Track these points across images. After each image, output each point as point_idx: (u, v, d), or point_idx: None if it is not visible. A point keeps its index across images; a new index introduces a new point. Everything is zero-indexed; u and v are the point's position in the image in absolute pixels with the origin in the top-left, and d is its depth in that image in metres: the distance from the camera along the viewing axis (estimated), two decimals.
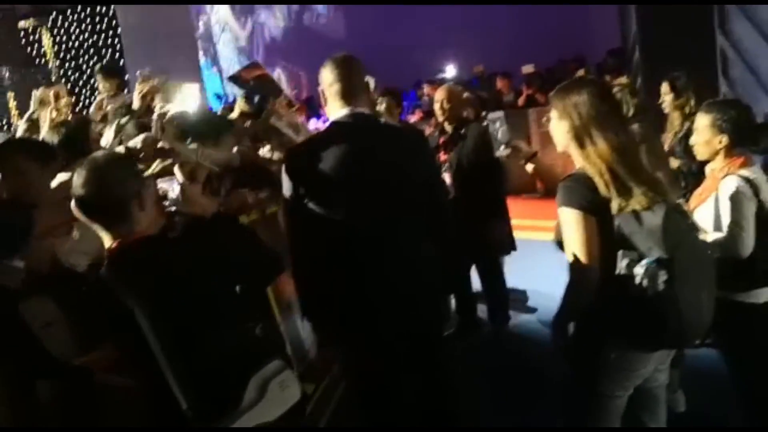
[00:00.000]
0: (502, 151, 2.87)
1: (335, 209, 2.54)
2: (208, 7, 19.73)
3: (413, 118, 10.90)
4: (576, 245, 2.21)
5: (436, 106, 4.58)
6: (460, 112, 4.62)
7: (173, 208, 2.31)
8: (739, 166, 2.83)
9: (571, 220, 2.21)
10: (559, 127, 2.33)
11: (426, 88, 11.24)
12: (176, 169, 2.32)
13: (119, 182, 1.91)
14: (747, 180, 2.77)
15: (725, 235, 2.81)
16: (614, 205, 2.17)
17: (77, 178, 1.90)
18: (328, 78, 2.63)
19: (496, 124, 3.08)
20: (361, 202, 2.55)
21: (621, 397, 2.38)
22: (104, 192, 1.89)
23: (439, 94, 4.60)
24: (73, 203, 1.91)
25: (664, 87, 4.33)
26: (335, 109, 2.63)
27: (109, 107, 4.32)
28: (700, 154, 2.96)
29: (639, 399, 2.50)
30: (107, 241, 1.91)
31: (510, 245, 4.71)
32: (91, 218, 1.91)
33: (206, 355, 1.92)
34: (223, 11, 19.66)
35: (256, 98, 4.14)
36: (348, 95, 2.61)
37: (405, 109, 12.08)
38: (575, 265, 2.22)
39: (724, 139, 2.84)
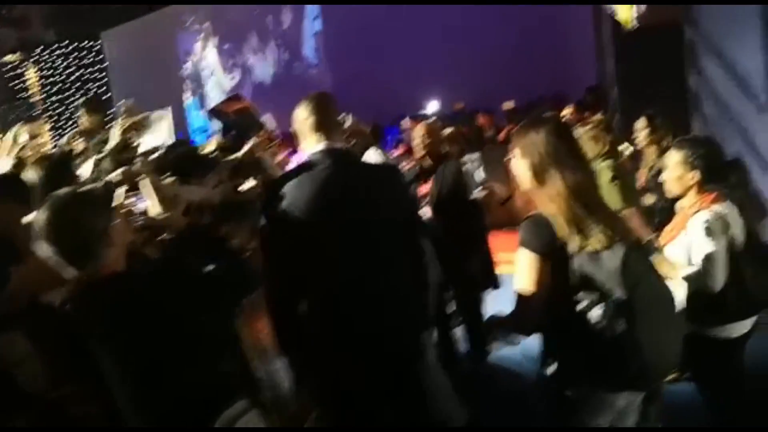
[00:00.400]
0: (477, 193, 2.85)
1: (311, 244, 2.53)
2: (198, 46, 19.87)
3: (396, 153, 10.93)
4: (525, 285, 2.22)
5: (416, 142, 4.65)
6: (439, 147, 4.69)
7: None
8: (710, 202, 2.86)
9: (526, 261, 2.22)
10: (520, 166, 2.34)
11: (408, 123, 11.33)
12: (152, 202, 2.33)
13: (84, 220, 1.88)
14: (718, 215, 2.80)
15: (697, 269, 2.85)
16: (572, 245, 2.18)
17: (40, 216, 1.87)
18: (302, 114, 2.64)
19: (474, 164, 3.13)
20: (337, 237, 2.55)
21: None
22: (68, 230, 1.87)
23: (419, 130, 4.69)
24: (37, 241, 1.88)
25: (641, 122, 4.41)
26: (311, 144, 2.63)
27: (82, 143, 4.28)
28: (672, 190, 3.00)
29: None
30: (71, 275, 1.89)
31: (492, 281, 4.75)
32: (55, 255, 1.87)
33: (170, 396, 1.90)
34: (211, 57, 19.77)
35: (233, 132, 4.13)
36: (322, 128, 2.62)
37: (388, 144, 12.19)
38: (520, 303, 2.24)
39: (696, 176, 2.88)
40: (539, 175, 2.27)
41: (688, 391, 3.12)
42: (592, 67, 11.04)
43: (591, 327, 2.16)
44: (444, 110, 12.99)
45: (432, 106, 13.28)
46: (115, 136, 3.61)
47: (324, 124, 2.63)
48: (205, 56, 19.86)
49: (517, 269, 2.23)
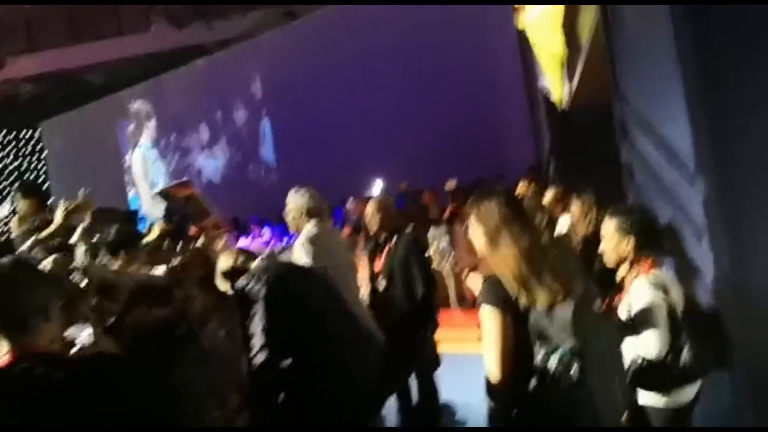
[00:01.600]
0: (447, 262, 3.08)
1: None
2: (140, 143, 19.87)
3: (341, 235, 10.96)
4: (492, 339, 2.40)
5: (368, 218, 4.73)
6: (392, 221, 4.78)
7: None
8: (649, 267, 2.96)
9: (488, 316, 2.42)
10: (475, 233, 2.59)
11: (352, 205, 11.45)
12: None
13: (24, 292, 1.83)
14: (658, 279, 2.90)
15: (640, 337, 2.88)
16: (521, 302, 2.39)
17: None
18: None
19: (441, 238, 3.36)
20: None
21: None
22: (5, 301, 1.81)
23: (370, 207, 4.80)
24: None
25: (574, 197, 4.60)
26: None
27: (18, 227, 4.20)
28: (610, 260, 3.09)
29: None
30: (3, 347, 1.81)
31: (434, 361, 4.75)
32: None
33: None
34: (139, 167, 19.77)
35: (175, 217, 4.12)
36: None
37: (335, 224, 12.18)
38: (491, 358, 2.40)
39: (631, 241, 2.97)
40: (493, 239, 2.53)
41: None
42: (530, 145, 11.39)
43: (548, 376, 2.32)
44: (388, 191, 13.13)
45: (377, 187, 13.42)
46: (58, 219, 3.59)
47: None
48: (141, 144, 19.81)
49: (483, 327, 2.43)
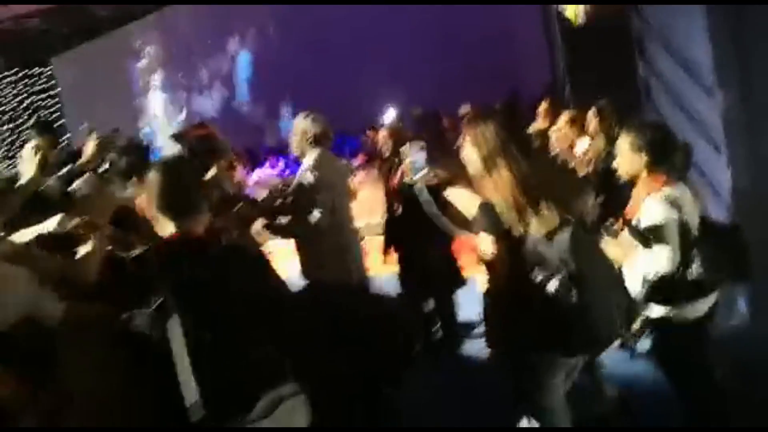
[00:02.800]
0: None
1: None
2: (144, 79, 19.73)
3: (357, 162, 11.03)
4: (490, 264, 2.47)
5: (381, 145, 4.77)
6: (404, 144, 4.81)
7: None
8: (661, 185, 2.91)
9: (486, 244, 2.43)
10: (470, 155, 2.53)
11: (370, 134, 11.46)
12: None
13: (192, 179, 2.24)
14: (669, 197, 2.83)
15: (652, 252, 2.88)
16: (517, 229, 2.38)
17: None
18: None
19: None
20: None
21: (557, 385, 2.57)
22: (178, 184, 2.16)
23: (382, 134, 4.82)
24: None
25: (590, 113, 4.52)
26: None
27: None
28: (624, 174, 3.05)
29: None
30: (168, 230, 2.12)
31: (458, 280, 4.81)
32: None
33: (227, 364, 2.01)
34: (158, 104, 19.71)
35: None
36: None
37: (349, 154, 12.21)
38: (489, 281, 2.52)
39: (645, 158, 2.93)
40: (487, 163, 2.46)
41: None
42: (546, 65, 11.20)
43: (548, 298, 2.34)
44: (403, 117, 13.05)
45: (389, 116, 13.32)
46: (91, 150, 3.63)
47: None
48: (153, 89, 19.77)
49: (481, 252, 2.46)
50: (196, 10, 18.00)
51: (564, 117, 5.07)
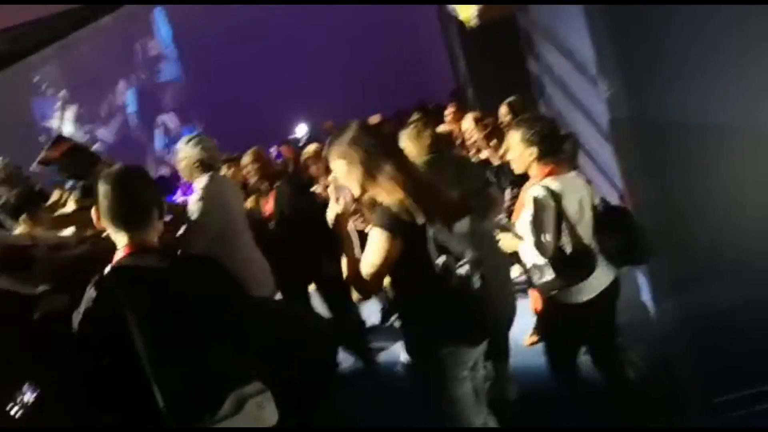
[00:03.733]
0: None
1: None
2: (56, 115, 19.29)
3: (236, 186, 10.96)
4: (371, 256, 2.49)
5: (246, 170, 4.88)
6: (269, 168, 4.89)
7: None
8: (545, 176, 3.15)
9: (375, 236, 2.49)
10: (347, 175, 2.57)
11: (282, 149, 11.42)
12: None
13: (142, 188, 2.32)
14: (548, 188, 3.03)
15: (528, 241, 3.09)
16: (416, 221, 2.43)
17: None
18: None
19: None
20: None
21: (465, 377, 2.65)
22: (128, 195, 2.30)
23: (246, 159, 4.88)
24: None
25: (503, 109, 4.76)
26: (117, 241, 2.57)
27: None
28: (517, 168, 3.22)
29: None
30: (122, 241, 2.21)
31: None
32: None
33: (191, 368, 2.09)
34: (68, 128, 19.29)
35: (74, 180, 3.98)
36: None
37: None
38: (365, 270, 2.51)
39: (534, 152, 3.12)
40: (370, 173, 2.52)
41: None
42: (448, 71, 11.40)
43: (450, 286, 2.43)
44: (315, 132, 13.06)
45: (301, 129, 13.31)
46: None
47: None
48: (64, 126, 19.41)
49: (368, 245, 2.51)
50: (96, 41, 17.62)
51: (468, 118, 5.28)
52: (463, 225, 2.55)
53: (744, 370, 3.43)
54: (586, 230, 3.13)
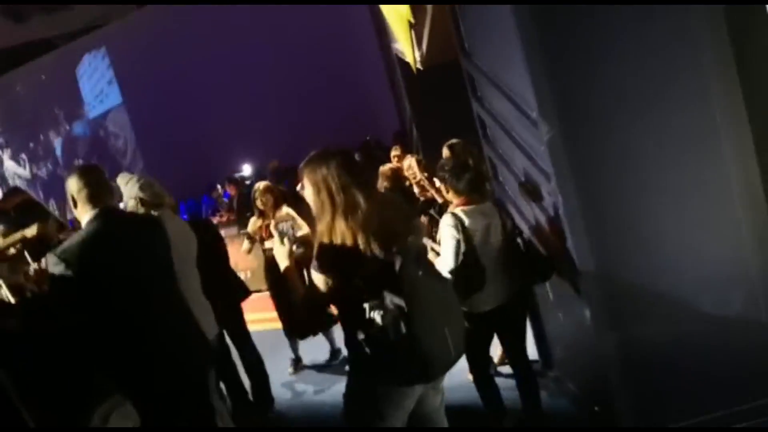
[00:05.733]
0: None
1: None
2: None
3: (218, 221, 10.84)
4: (310, 293, 2.61)
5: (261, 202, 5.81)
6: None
7: None
8: (455, 206, 3.91)
9: (314, 278, 2.58)
10: (312, 197, 2.67)
11: (228, 187, 11.43)
12: None
13: None
14: (454, 215, 3.79)
15: (438, 260, 3.79)
16: (350, 262, 2.50)
17: None
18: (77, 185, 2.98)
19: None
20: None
21: (397, 416, 2.74)
22: None
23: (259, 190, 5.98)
24: None
25: (445, 151, 5.33)
26: (86, 212, 2.97)
27: None
28: (441, 199, 4.17)
29: (420, 424, 2.90)
30: None
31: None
32: None
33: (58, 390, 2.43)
34: (11, 167, 19.11)
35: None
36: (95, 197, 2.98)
37: (204, 214, 11.96)
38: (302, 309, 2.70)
39: (448, 186, 3.97)
40: (326, 204, 2.61)
41: None
42: (393, 111, 11.57)
43: (378, 330, 2.47)
44: (260, 171, 13.03)
45: (246, 170, 13.26)
46: None
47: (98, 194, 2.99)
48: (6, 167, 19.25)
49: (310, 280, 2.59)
50: (33, 81, 17.39)
51: (409, 158, 5.55)
52: (394, 267, 2.54)
53: (675, 403, 3.54)
54: (490, 252, 3.83)
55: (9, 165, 18.84)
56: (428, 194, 5.44)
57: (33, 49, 16.39)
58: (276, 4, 12.55)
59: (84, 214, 2.97)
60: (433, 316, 2.56)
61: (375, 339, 2.49)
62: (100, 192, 3.00)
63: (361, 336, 2.55)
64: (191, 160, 12.44)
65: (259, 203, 5.84)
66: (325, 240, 2.58)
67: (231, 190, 11.60)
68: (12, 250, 3.52)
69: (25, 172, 18.68)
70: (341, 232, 2.54)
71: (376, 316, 2.46)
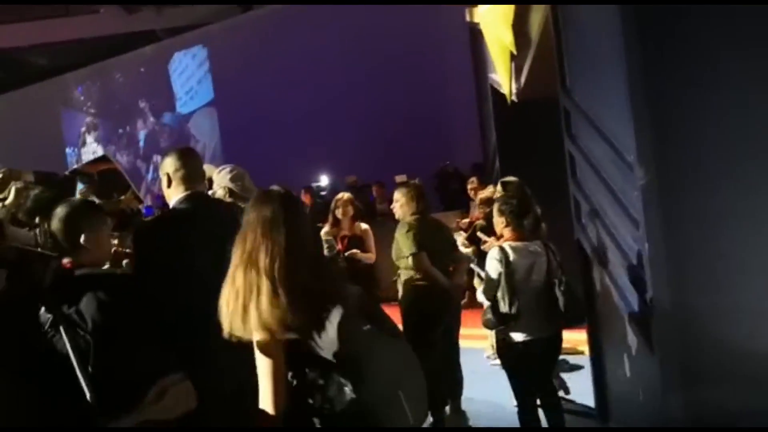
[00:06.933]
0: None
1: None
2: (87, 136, 19.71)
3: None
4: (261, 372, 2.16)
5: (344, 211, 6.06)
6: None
7: None
8: (505, 240, 4.21)
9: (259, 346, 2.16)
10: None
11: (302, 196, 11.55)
12: None
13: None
14: (501, 249, 4.09)
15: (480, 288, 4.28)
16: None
17: None
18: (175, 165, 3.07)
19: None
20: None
21: None
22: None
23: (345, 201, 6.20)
24: None
25: (498, 187, 5.65)
26: (178, 192, 3.07)
27: None
28: (498, 232, 4.42)
29: None
30: None
31: None
32: None
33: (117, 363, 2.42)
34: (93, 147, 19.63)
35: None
36: (189, 180, 3.08)
37: None
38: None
39: (502, 221, 4.23)
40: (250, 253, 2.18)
41: None
42: (477, 140, 11.54)
43: (321, 401, 2.13)
44: (336, 184, 13.17)
45: (323, 180, 13.42)
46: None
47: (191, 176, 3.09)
48: (89, 144, 19.79)
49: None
50: (131, 70, 18.02)
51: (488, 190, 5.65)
52: (331, 325, 2.14)
53: None
54: (530, 287, 4.07)
55: (92, 148, 19.47)
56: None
57: (136, 40, 17.05)
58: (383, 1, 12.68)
59: (176, 194, 3.08)
60: (386, 374, 2.18)
61: (314, 411, 2.16)
62: (195, 175, 3.13)
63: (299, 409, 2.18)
64: (270, 165, 12.66)
65: (339, 213, 5.91)
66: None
67: (306, 199, 11.74)
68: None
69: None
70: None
71: (318, 385, 2.15)
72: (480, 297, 4.23)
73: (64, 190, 4.09)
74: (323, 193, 12.40)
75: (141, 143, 18.88)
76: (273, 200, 2.23)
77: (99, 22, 16.11)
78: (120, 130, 19.32)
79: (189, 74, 17.33)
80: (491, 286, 4.06)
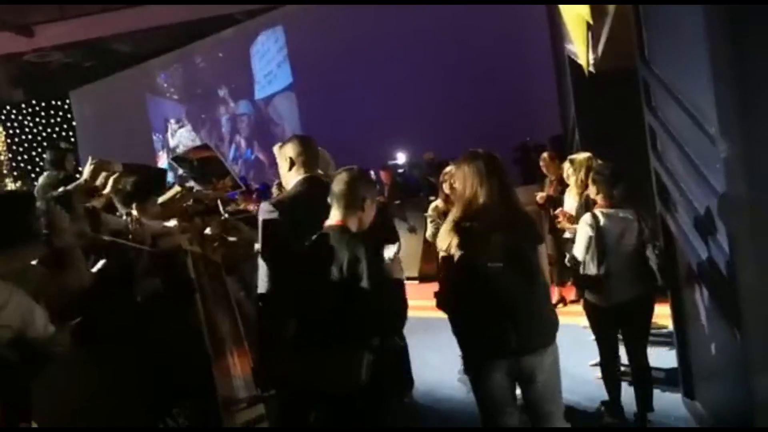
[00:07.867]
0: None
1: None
2: (172, 122, 20.15)
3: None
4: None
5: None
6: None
7: None
8: (598, 207, 4.57)
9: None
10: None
11: (381, 174, 11.62)
12: None
13: None
14: (593, 215, 4.46)
15: (574, 245, 4.60)
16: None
17: None
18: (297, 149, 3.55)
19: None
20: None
21: None
22: None
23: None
24: None
25: (566, 164, 5.93)
26: (299, 175, 3.53)
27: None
28: (591, 198, 4.80)
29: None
30: None
31: None
32: None
33: None
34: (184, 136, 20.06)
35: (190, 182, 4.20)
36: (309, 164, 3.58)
37: None
38: None
39: (593, 190, 4.63)
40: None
41: None
42: (555, 114, 11.33)
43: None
44: (414, 160, 13.18)
45: (400, 158, 13.45)
46: (85, 173, 3.59)
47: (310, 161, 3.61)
48: (179, 135, 20.23)
49: None
50: (212, 54, 18.36)
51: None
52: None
53: None
54: (621, 252, 4.39)
55: (182, 138, 19.95)
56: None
57: (216, 23, 17.34)
58: (453, 4, 12.61)
59: (295, 176, 3.55)
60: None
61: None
62: (314, 160, 3.62)
63: None
64: (349, 145, 12.79)
65: (446, 187, 5.70)
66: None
67: (385, 177, 11.79)
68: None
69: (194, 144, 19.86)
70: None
71: None
72: (573, 252, 4.57)
73: (158, 180, 4.29)
74: (401, 170, 12.43)
75: (222, 128, 19.31)
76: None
77: (178, 9, 16.43)
78: (203, 115, 19.79)
79: (270, 57, 17.57)
80: (582, 247, 4.43)
